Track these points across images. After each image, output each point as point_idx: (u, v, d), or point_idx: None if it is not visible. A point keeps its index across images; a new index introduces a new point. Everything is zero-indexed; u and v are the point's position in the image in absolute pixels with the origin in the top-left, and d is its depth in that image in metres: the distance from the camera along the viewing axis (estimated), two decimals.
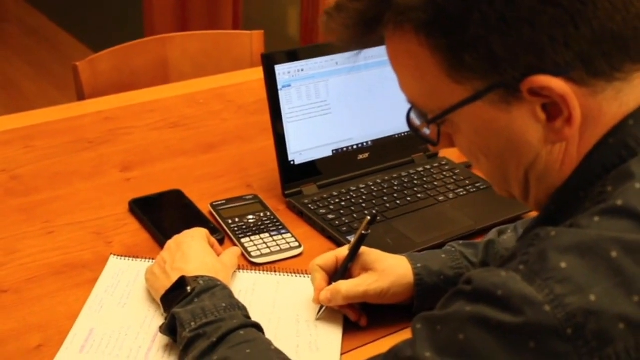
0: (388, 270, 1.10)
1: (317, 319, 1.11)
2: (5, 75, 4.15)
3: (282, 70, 1.38)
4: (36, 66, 4.23)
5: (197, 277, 1.06)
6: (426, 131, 0.85)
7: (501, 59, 0.72)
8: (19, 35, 4.65)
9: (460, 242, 1.17)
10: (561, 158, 0.78)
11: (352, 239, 1.13)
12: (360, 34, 0.80)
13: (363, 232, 1.10)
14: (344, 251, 1.13)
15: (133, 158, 1.54)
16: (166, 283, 1.08)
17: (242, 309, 1.03)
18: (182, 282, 1.05)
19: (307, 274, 1.21)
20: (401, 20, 0.76)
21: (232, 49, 1.99)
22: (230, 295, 1.05)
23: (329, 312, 1.12)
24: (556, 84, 0.72)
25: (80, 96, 1.79)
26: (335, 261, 1.13)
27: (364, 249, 1.12)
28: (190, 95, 1.81)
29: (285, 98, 1.39)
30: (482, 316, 0.69)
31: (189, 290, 1.04)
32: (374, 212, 1.10)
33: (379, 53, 1.48)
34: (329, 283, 1.12)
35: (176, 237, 1.16)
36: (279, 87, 1.38)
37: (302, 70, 1.40)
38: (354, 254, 1.12)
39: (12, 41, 4.58)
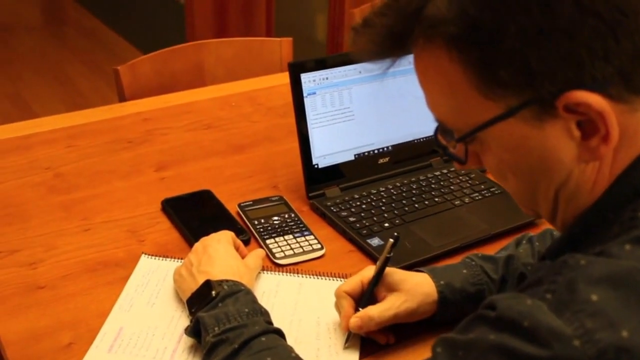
0: (414, 290, 0.98)
1: (345, 348, 0.98)
2: (64, 73, 4.08)
3: (308, 79, 1.27)
4: (91, 65, 4.15)
5: (221, 281, 0.96)
6: (453, 149, 0.73)
7: (537, 74, 0.61)
8: (76, 37, 4.58)
9: (480, 254, 1.04)
10: (593, 178, 0.66)
11: (377, 262, 0.99)
12: (388, 50, 0.69)
13: (388, 255, 0.98)
14: (368, 273, 1.00)
15: (168, 158, 1.44)
16: (192, 285, 0.99)
17: (264, 314, 0.93)
18: (207, 285, 0.96)
19: (328, 276, 1.11)
20: (431, 35, 0.65)
21: (263, 54, 1.88)
22: (253, 300, 0.95)
23: (354, 336, 0.99)
24: (594, 100, 0.61)
25: (121, 98, 1.70)
26: (361, 286, 0.99)
27: (387, 269, 0.99)
28: (224, 98, 1.71)
29: (310, 105, 1.28)
30: (506, 346, 0.59)
31: (214, 295, 0.94)
32: (396, 234, 0.98)
33: (400, 62, 1.39)
34: (356, 309, 0.98)
35: (203, 240, 1.07)
36: (305, 94, 1.28)
37: (327, 78, 1.29)
38: (379, 277, 0.98)
39: (70, 42, 4.51)
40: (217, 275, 0.98)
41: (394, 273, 1.00)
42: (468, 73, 0.64)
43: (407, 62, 1.36)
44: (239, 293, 0.94)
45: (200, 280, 0.98)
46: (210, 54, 1.83)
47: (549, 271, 0.62)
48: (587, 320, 0.56)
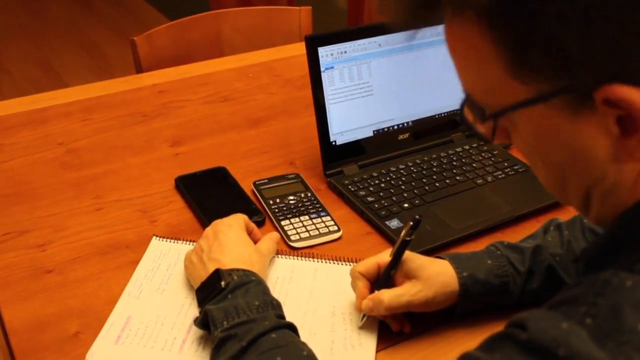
0: (432, 279, 0.88)
1: (360, 327, 0.90)
2: (90, 39, 3.99)
3: (326, 52, 1.17)
4: (117, 32, 4.05)
5: (232, 270, 0.87)
6: (480, 126, 0.63)
7: (575, 62, 0.51)
8: (103, 4, 4.47)
9: (505, 243, 0.94)
10: (634, 176, 0.56)
11: (395, 245, 0.90)
12: (415, 18, 0.58)
13: (406, 238, 0.88)
14: (385, 257, 0.91)
15: (183, 132, 1.35)
16: (202, 273, 0.91)
17: (276, 307, 0.85)
18: (216, 275, 0.87)
19: (344, 261, 1.02)
20: (461, 5, 0.55)
21: (282, 23, 1.77)
22: (264, 291, 0.86)
23: (371, 318, 0.91)
24: (635, 94, 0.50)
25: (138, 69, 1.60)
26: (377, 268, 0.91)
27: (407, 253, 0.90)
28: (241, 68, 1.60)
29: (328, 80, 1.18)
30: None
31: (223, 285, 0.85)
32: (417, 217, 0.88)
33: (421, 34, 1.27)
34: (372, 290, 0.90)
35: (214, 225, 0.98)
36: (322, 69, 1.17)
37: (345, 52, 1.18)
38: (396, 261, 0.89)
39: (97, 10, 4.40)
40: (227, 263, 0.89)
41: (414, 259, 0.90)
42: (499, 51, 0.54)
43: (430, 34, 1.25)
44: (249, 284, 0.86)
45: (211, 268, 0.90)
46: (228, 24, 1.72)
47: (588, 289, 0.52)
48: (635, 355, 0.46)
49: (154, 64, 1.60)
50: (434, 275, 0.89)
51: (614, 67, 0.50)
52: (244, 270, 0.88)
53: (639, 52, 0.49)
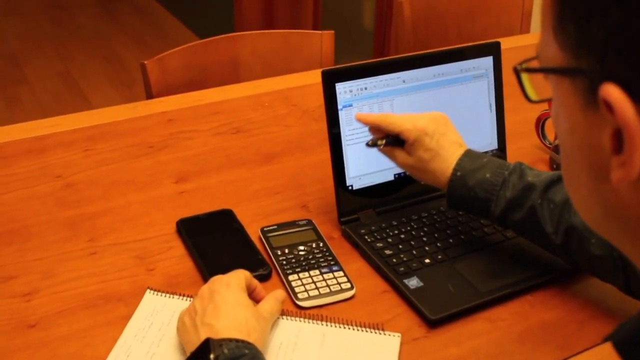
0: (425, 167, 1.00)
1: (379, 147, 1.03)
2: (113, 50, 3.94)
3: (344, 89, 1.07)
4: (142, 45, 4.00)
5: (223, 341, 0.78)
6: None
7: (592, 40, 0.42)
8: (128, 14, 4.43)
9: (523, 167, 0.98)
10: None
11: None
12: None
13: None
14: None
15: (190, 167, 1.26)
16: (194, 339, 0.81)
17: None
18: (206, 346, 0.78)
19: (356, 325, 0.92)
20: None
21: (303, 48, 1.68)
22: None
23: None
24: (627, 107, 0.41)
25: (149, 94, 1.52)
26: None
27: (424, 139, 1.00)
28: (257, 96, 1.51)
29: (345, 119, 1.08)
30: None
31: (212, 359, 0.76)
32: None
33: (447, 71, 1.16)
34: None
35: (211, 283, 0.88)
36: (340, 107, 1.07)
37: (366, 88, 1.09)
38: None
39: (122, 19, 4.36)
40: (220, 330, 0.80)
41: (426, 151, 1.00)
42: (553, 2, 0.46)
43: (458, 71, 1.15)
44: (241, 358, 0.76)
45: (203, 335, 0.80)
46: (245, 48, 1.64)
47: None
48: None
49: (165, 89, 1.52)
50: (430, 169, 1.00)
51: (623, 66, 0.41)
52: (237, 340, 0.78)
53: None
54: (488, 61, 1.17)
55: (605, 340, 0.56)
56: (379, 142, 1.02)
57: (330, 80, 1.06)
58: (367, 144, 1.02)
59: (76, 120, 1.40)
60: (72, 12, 4.43)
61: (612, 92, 0.41)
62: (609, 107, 0.42)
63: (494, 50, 1.17)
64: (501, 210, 0.97)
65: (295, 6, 2.95)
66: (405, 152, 1.02)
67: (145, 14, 4.40)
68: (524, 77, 0.51)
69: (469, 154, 1.00)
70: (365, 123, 1.04)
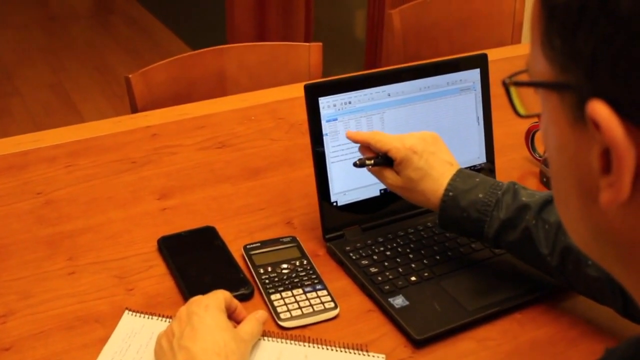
0: (415, 187, 0.98)
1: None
2: (106, 62, 3.92)
3: (327, 103, 1.05)
4: (134, 56, 3.98)
5: None
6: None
7: (583, 58, 0.40)
8: (121, 26, 4.42)
9: (517, 186, 0.95)
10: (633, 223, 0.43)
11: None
12: None
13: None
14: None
15: (173, 183, 1.24)
16: None
17: None
18: None
19: (338, 347, 0.90)
20: None
21: (290, 61, 1.66)
22: None
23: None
24: (616, 127, 0.39)
25: (133, 108, 1.50)
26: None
27: (413, 157, 0.97)
28: (243, 110, 1.49)
29: (330, 133, 1.06)
30: None
31: None
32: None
33: (434, 84, 1.14)
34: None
35: (189, 305, 0.86)
36: (323, 121, 1.06)
37: (350, 102, 1.07)
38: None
39: (114, 31, 4.35)
40: (197, 354, 0.78)
41: (415, 170, 0.98)
42: (541, 15, 0.44)
43: (444, 83, 1.14)
44: None
45: (180, 359, 0.78)
46: (232, 60, 1.62)
47: None
48: None
49: (150, 103, 1.50)
50: (419, 190, 0.98)
51: (609, 83, 0.39)
52: None
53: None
54: (475, 74, 1.15)
55: None
56: (367, 162, 1.00)
57: (313, 94, 1.04)
58: (355, 164, 1.00)
59: (59, 136, 1.38)
60: (65, 24, 4.42)
61: (599, 109, 0.40)
62: (597, 124, 0.40)
63: (481, 63, 1.15)
64: (495, 231, 0.94)
65: (287, 17, 2.94)
66: (394, 172, 1.00)
67: (138, 26, 4.39)
68: (513, 91, 0.49)
69: (460, 174, 0.97)
70: (355, 141, 1.02)
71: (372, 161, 1.00)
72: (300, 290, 0.97)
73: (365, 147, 1.02)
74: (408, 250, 1.05)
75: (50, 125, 1.40)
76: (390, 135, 1.00)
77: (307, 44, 1.65)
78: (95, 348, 0.89)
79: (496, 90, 0.96)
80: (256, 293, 0.99)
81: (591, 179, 0.43)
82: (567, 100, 0.43)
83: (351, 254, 1.04)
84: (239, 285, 0.97)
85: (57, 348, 0.89)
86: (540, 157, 1.31)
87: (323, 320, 0.94)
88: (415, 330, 0.91)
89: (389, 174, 1.00)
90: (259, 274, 1.00)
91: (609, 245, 0.45)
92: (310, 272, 1.01)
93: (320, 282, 0.99)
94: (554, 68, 0.43)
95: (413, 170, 0.97)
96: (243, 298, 0.96)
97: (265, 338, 0.90)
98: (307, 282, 0.99)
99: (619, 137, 0.39)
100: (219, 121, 1.45)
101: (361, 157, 1.01)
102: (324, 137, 1.06)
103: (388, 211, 1.12)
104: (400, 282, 0.99)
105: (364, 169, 1.03)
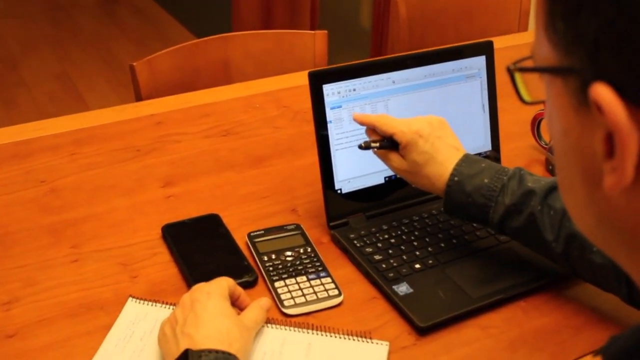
0: (420, 172, 0.97)
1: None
2: (110, 51, 3.92)
3: (332, 90, 1.05)
4: (140, 46, 3.98)
5: (202, 352, 0.75)
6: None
7: (582, 38, 0.40)
8: (127, 16, 4.41)
9: (523, 172, 0.95)
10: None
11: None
12: None
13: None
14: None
15: (178, 171, 1.24)
16: (174, 349, 0.79)
17: None
18: (184, 358, 0.75)
19: (343, 334, 0.90)
20: None
21: (295, 49, 1.65)
22: None
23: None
24: (619, 110, 0.39)
25: (138, 97, 1.49)
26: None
27: (418, 141, 0.97)
28: (248, 98, 1.49)
29: (334, 121, 1.06)
30: None
31: None
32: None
33: (439, 71, 1.13)
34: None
35: (192, 292, 0.86)
36: (328, 108, 1.05)
37: (354, 89, 1.06)
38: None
39: (120, 20, 4.34)
40: (200, 341, 0.77)
41: (420, 154, 0.97)
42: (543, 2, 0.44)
43: (450, 70, 1.13)
44: None
45: (182, 345, 0.78)
46: (237, 48, 1.61)
47: None
48: None
49: (155, 91, 1.49)
50: (425, 176, 0.97)
51: (614, 66, 0.39)
52: (217, 351, 0.76)
53: None
54: (481, 61, 1.14)
55: (596, 353, 0.54)
56: (373, 145, 0.99)
57: (317, 81, 1.04)
58: (360, 146, 1.00)
59: (63, 124, 1.37)
60: (71, 14, 4.41)
61: (602, 93, 0.39)
62: (600, 108, 0.39)
63: (486, 50, 1.14)
64: (500, 216, 0.93)
65: (293, 6, 2.93)
66: (400, 156, 0.99)
67: (144, 15, 4.39)
68: (518, 77, 0.49)
69: (466, 159, 0.97)
70: (362, 123, 1.02)
71: (378, 144, 0.99)
72: (304, 278, 0.97)
73: (371, 129, 1.01)
74: (412, 237, 1.05)
75: (56, 114, 1.40)
76: (397, 118, 1.00)
77: (313, 31, 1.64)
78: (99, 334, 0.89)
79: (502, 77, 0.96)
80: (260, 280, 0.98)
81: (595, 164, 0.42)
82: (571, 85, 0.42)
83: (355, 242, 1.04)
84: (243, 272, 0.97)
85: (61, 335, 0.90)
86: (546, 145, 1.30)
87: (327, 307, 0.94)
88: (419, 318, 0.91)
89: (394, 157, 0.99)
90: (262, 262, 1.00)
91: (613, 232, 0.45)
92: (314, 259, 1.01)
93: (325, 269, 0.99)
94: (557, 52, 0.43)
95: (418, 154, 0.97)
96: (247, 285, 0.96)
97: (269, 325, 0.90)
98: (311, 270, 0.99)
99: (622, 120, 0.39)
100: (224, 109, 1.45)
101: (367, 139, 1.01)
102: (329, 125, 1.05)
103: (392, 199, 1.11)
104: (404, 270, 0.99)
105: (369, 155, 1.03)
